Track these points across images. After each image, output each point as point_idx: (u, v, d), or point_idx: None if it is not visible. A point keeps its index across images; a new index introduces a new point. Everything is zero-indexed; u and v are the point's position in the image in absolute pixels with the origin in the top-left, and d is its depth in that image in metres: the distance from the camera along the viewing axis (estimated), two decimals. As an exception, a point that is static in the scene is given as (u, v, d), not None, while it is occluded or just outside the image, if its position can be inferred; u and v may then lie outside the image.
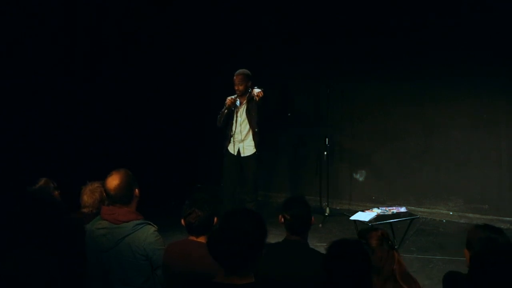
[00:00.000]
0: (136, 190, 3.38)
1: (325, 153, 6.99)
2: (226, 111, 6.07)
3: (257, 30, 7.63)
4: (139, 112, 7.62)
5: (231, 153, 6.21)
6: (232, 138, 6.11)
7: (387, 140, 7.16)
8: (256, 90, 6.00)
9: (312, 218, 3.30)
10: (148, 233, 3.24)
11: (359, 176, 7.36)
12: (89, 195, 3.87)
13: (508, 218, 6.45)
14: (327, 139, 6.95)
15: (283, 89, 7.62)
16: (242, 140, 6.15)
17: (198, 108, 8.09)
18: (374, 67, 7.00)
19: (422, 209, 6.90)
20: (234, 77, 6.06)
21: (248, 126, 6.15)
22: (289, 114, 7.56)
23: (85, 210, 3.93)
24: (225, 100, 6.10)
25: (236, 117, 6.11)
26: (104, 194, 3.55)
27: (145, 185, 3.57)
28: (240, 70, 6.09)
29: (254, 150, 6.20)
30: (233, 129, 6.09)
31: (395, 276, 2.80)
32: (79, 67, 6.89)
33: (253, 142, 6.17)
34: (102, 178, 3.53)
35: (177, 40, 7.97)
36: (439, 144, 6.86)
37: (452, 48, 6.56)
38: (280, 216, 3.28)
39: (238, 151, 6.19)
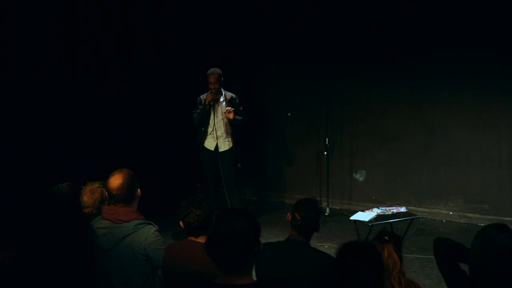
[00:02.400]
0: (138, 190, 3.38)
1: (325, 153, 6.99)
2: (207, 108, 6.30)
3: (257, 30, 7.63)
4: (139, 112, 7.62)
5: (208, 149, 6.49)
6: (211, 135, 6.41)
7: (387, 140, 7.15)
8: (225, 108, 6.29)
9: (320, 225, 3.36)
10: (149, 233, 3.24)
11: (359, 176, 7.36)
12: (89, 195, 3.85)
13: (508, 218, 6.45)
14: (327, 139, 6.95)
15: (283, 89, 7.62)
16: (220, 136, 6.44)
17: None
18: (374, 67, 7.00)
19: (422, 209, 6.91)
20: (209, 77, 6.31)
21: (224, 124, 6.42)
22: (289, 114, 7.56)
23: (85, 210, 3.92)
24: (197, 99, 6.41)
25: (214, 114, 6.36)
26: (104, 194, 3.55)
27: (145, 185, 3.57)
28: (214, 69, 6.37)
29: (231, 145, 6.50)
30: (212, 126, 6.37)
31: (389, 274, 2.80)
32: (79, 67, 6.89)
33: (229, 138, 6.49)
34: (102, 178, 3.53)
35: (178, 40, 7.96)
36: (439, 144, 6.86)
37: (452, 48, 6.56)
38: (289, 213, 3.32)
39: (216, 147, 6.45)
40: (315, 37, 7.25)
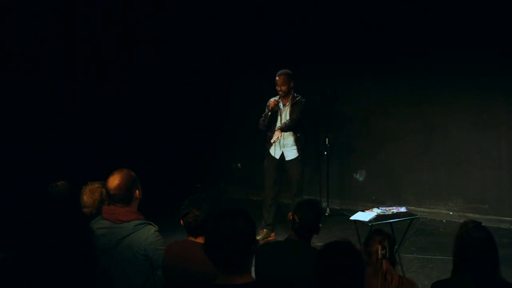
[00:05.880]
0: (137, 192, 3.36)
1: (325, 153, 6.99)
2: (269, 113, 5.85)
3: (257, 30, 7.62)
4: (139, 112, 7.62)
5: (273, 156, 6.05)
6: (275, 142, 5.92)
7: (387, 140, 7.15)
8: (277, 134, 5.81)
9: (320, 226, 3.36)
10: (149, 233, 3.23)
11: (359, 176, 7.36)
12: (89, 195, 3.85)
13: (508, 218, 6.46)
14: (327, 139, 6.95)
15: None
16: (285, 144, 5.98)
17: (199, 109, 8.09)
18: (374, 67, 7.00)
19: (422, 209, 6.90)
20: (277, 78, 5.90)
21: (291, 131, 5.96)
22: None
23: (85, 210, 3.92)
24: (267, 102, 5.95)
25: (281, 119, 5.94)
26: (104, 194, 3.55)
27: (145, 185, 3.56)
28: (282, 71, 5.94)
29: (297, 154, 6.02)
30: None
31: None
32: (79, 67, 6.89)
33: (295, 146, 6.01)
34: (102, 178, 3.52)
35: (178, 40, 7.96)
36: (439, 144, 6.86)
37: (452, 48, 6.55)
38: (290, 213, 3.33)
39: (282, 155, 6.02)
40: (315, 37, 7.24)
